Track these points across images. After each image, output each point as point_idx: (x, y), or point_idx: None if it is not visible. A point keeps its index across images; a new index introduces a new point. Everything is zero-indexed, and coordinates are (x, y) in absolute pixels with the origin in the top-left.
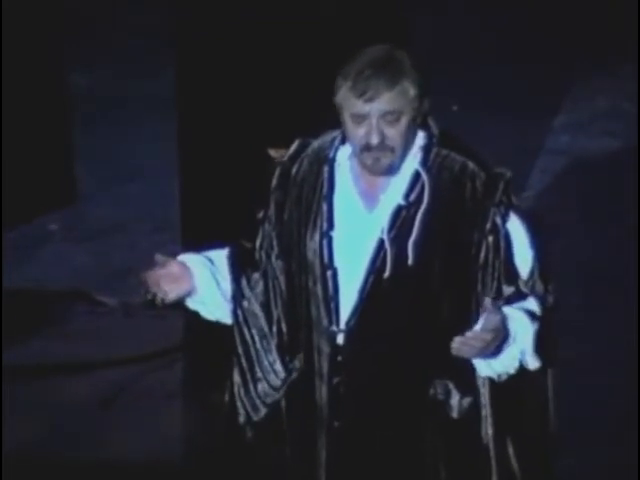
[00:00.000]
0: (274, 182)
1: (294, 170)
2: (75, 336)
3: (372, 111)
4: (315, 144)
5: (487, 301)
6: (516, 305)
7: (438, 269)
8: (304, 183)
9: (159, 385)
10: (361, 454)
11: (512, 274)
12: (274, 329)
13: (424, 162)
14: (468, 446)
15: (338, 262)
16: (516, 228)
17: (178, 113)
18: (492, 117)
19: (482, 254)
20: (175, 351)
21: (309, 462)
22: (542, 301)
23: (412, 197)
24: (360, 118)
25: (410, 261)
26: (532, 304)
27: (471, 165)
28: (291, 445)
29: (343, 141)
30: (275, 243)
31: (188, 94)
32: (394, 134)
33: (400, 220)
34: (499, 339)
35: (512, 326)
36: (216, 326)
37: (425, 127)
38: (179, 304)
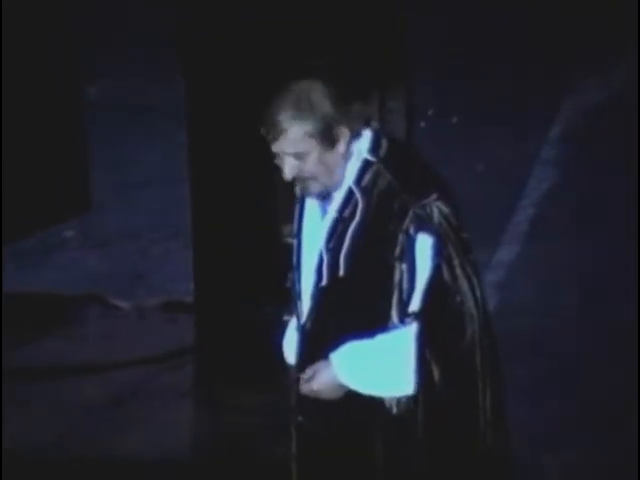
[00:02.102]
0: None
1: None
2: (90, 338)
3: (280, 151)
4: None
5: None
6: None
7: (365, 281)
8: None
9: (171, 385)
10: (320, 448)
11: (402, 300)
12: None
13: (359, 180)
14: (406, 439)
15: (303, 264)
16: (422, 252)
17: (190, 121)
18: (490, 126)
19: (395, 276)
20: (187, 353)
21: (287, 453)
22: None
23: (346, 212)
24: (275, 153)
25: (341, 272)
26: (406, 337)
27: (396, 186)
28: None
29: None
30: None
31: (200, 103)
32: (307, 168)
33: (336, 232)
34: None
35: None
36: (225, 329)
37: (374, 140)
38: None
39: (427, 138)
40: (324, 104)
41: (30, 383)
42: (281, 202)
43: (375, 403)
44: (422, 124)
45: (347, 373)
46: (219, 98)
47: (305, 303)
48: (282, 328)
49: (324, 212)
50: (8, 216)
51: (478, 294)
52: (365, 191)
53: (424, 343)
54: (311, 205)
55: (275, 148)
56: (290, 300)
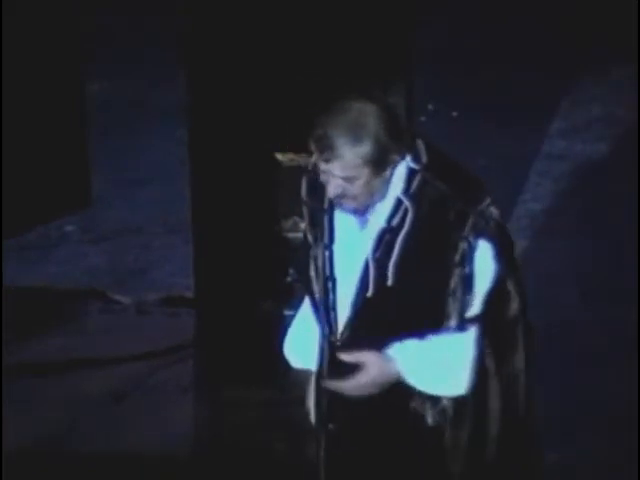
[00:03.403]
0: (304, 190)
1: (312, 181)
2: (90, 333)
3: (329, 171)
4: None
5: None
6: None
7: (415, 291)
8: (312, 195)
9: (172, 381)
10: (352, 457)
11: (465, 304)
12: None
13: (407, 189)
14: (439, 448)
15: (337, 274)
16: (483, 258)
17: (190, 117)
18: (490, 122)
19: (452, 283)
20: (187, 347)
21: (314, 461)
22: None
23: (394, 222)
24: (321, 170)
25: (390, 282)
26: (463, 341)
27: (449, 194)
28: (309, 444)
29: None
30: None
31: (200, 99)
32: (353, 189)
33: (383, 242)
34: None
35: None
36: (226, 324)
37: (413, 151)
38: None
39: (428, 133)
40: (380, 131)
41: (30, 378)
42: (281, 197)
43: (409, 412)
44: (422, 118)
45: (407, 366)
46: (218, 95)
47: (341, 313)
48: (283, 323)
49: (362, 222)
50: (8, 211)
51: (524, 299)
52: (414, 199)
53: (483, 348)
54: (343, 215)
55: (325, 167)
56: (296, 299)
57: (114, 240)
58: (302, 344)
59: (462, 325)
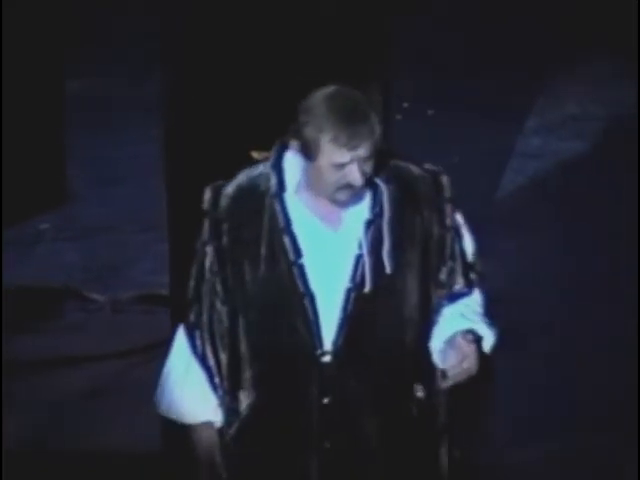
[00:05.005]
0: (207, 233)
1: (224, 215)
2: (65, 331)
3: (355, 158)
4: (241, 184)
5: (459, 340)
6: (464, 303)
7: (413, 272)
8: (243, 223)
9: (147, 378)
10: (355, 471)
11: (467, 266)
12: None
13: (377, 175)
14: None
15: (313, 286)
16: (461, 220)
17: (164, 115)
18: (465, 120)
19: (447, 249)
20: (163, 345)
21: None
22: (480, 286)
23: (377, 209)
24: (342, 165)
25: (388, 270)
26: (477, 299)
27: (414, 169)
28: (276, 467)
29: (280, 175)
30: (220, 289)
31: (174, 96)
32: (368, 171)
33: (371, 233)
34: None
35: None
36: None
37: None
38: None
39: (403, 131)
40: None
41: (6, 377)
42: None
43: (406, 430)
44: (398, 117)
45: (487, 333)
46: (194, 93)
47: (327, 324)
48: None
49: (334, 224)
50: None
51: None
52: (388, 182)
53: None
54: (307, 227)
55: (352, 155)
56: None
57: (89, 238)
58: (200, 395)
59: (469, 287)
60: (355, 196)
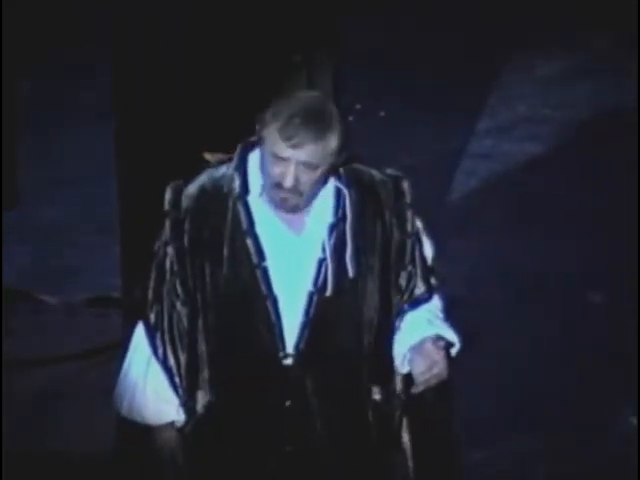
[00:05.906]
0: (167, 233)
1: (186, 215)
2: (17, 334)
3: (293, 157)
4: (204, 185)
5: (428, 346)
6: (427, 308)
7: (373, 276)
8: (205, 224)
9: (100, 381)
10: (315, 474)
11: (428, 270)
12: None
13: (338, 179)
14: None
15: (276, 289)
16: (421, 225)
17: (115, 115)
18: (415, 120)
19: (407, 255)
20: (117, 348)
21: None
22: (440, 291)
23: (339, 213)
24: (280, 159)
25: (350, 274)
26: (437, 304)
27: (376, 174)
28: (235, 468)
29: (244, 177)
30: (180, 290)
31: (125, 97)
32: (307, 180)
33: (334, 237)
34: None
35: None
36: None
37: None
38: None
39: (355, 132)
40: (341, 122)
41: None
42: None
43: (363, 433)
44: (350, 118)
45: (455, 339)
46: (146, 93)
47: (290, 327)
48: None
49: (297, 227)
50: None
51: None
52: (350, 186)
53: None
54: (270, 230)
55: (289, 154)
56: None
57: (40, 240)
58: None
59: (430, 292)
60: (292, 208)
